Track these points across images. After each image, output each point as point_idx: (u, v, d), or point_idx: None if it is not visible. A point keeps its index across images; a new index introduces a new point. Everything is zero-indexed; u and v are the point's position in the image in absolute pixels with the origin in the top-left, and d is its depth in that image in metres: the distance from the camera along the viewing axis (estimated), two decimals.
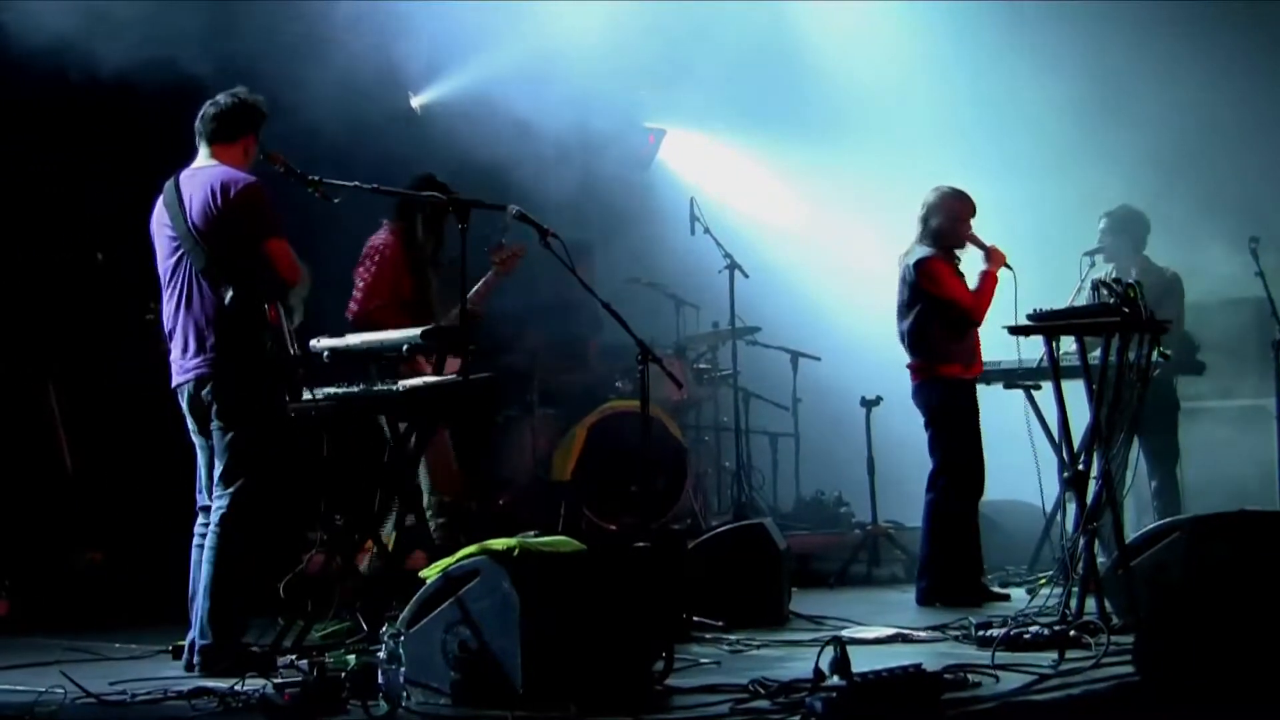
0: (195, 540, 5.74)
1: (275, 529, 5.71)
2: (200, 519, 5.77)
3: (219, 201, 5.57)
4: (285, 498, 5.76)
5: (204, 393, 5.62)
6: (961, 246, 7.66)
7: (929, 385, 7.58)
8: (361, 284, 7.12)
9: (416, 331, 6.15)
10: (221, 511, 5.58)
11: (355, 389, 6.01)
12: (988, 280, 7.55)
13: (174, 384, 5.73)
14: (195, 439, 5.79)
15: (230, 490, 5.58)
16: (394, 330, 6.34)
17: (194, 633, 5.57)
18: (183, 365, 5.67)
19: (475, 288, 7.38)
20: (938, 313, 7.54)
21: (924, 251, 7.59)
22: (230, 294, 5.53)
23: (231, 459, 5.60)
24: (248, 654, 5.52)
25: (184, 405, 5.73)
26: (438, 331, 6.22)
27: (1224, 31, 10.24)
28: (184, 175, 5.76)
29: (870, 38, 11.67)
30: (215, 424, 5.62)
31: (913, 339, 7.61)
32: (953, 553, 7.46)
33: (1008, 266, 7.53)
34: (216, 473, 5.64)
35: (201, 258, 5.58)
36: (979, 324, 7.56)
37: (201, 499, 5.80)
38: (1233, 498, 7.77)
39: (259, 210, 5.61)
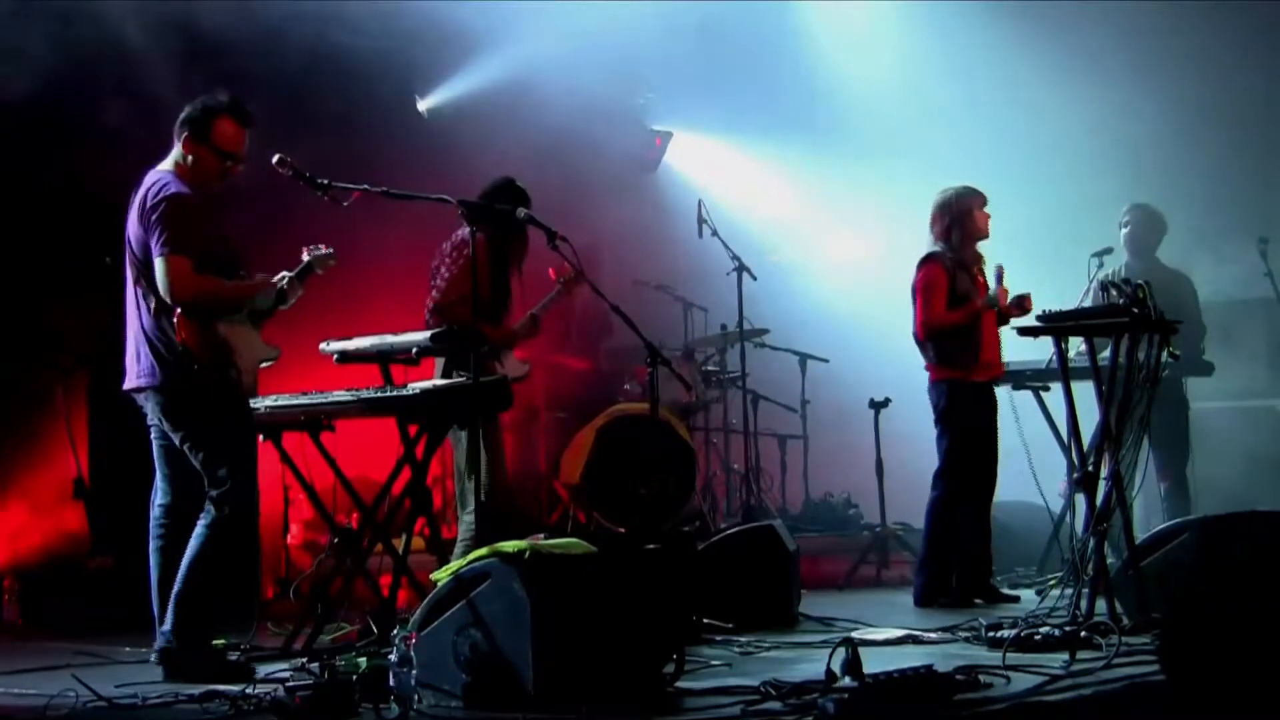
0: (152, 540, 5.70)
1: (249, 534, 5.63)
2: (155, 516, 5.72)
3: (139, 209, 5.54)
4: (255, 501, 5.68)
5: (151, 404, 5.60)
6: (975, 241, 7.58)
7: (933, 386, 7.58)
8: (448, 274, 6.97)
9: (426, 334, 6.17)
10: (203, 517, 5.51)
11: (371, 391, 6.02)
12: (968, 309, 7.45)
13: (125, 387, 5.67)
14: (153, 440, 5.74)
15: (207, 497, 5.52)
16: (407, 333, 6.36)
17: (160, 636, 5.53)
18: (131, 372, 5.64)
19: (542, 304, 7.42)
20: None
21: (927, 250, 7.59)
22: (154, 302, 5.50)
23: (202, 467, 5.55)
24: (221, 660, 5.48)
25: (143, 410, 5.69)
26: (447, 335, 6.23)
27: (1232, 31, 10.23)
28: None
29: (879, 39, 11.68)
30: (173, 436, 5.59)
31: (915, 338, 7.62)
32: (948, 553, 7.46)
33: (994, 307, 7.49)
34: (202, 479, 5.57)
35: (135, 264, 5.57)
36: (922, 338, 7.51)
37: (156, 497, 5.75)
38: (1243, 498, 7.76)
39: (164, 221, 5.45)
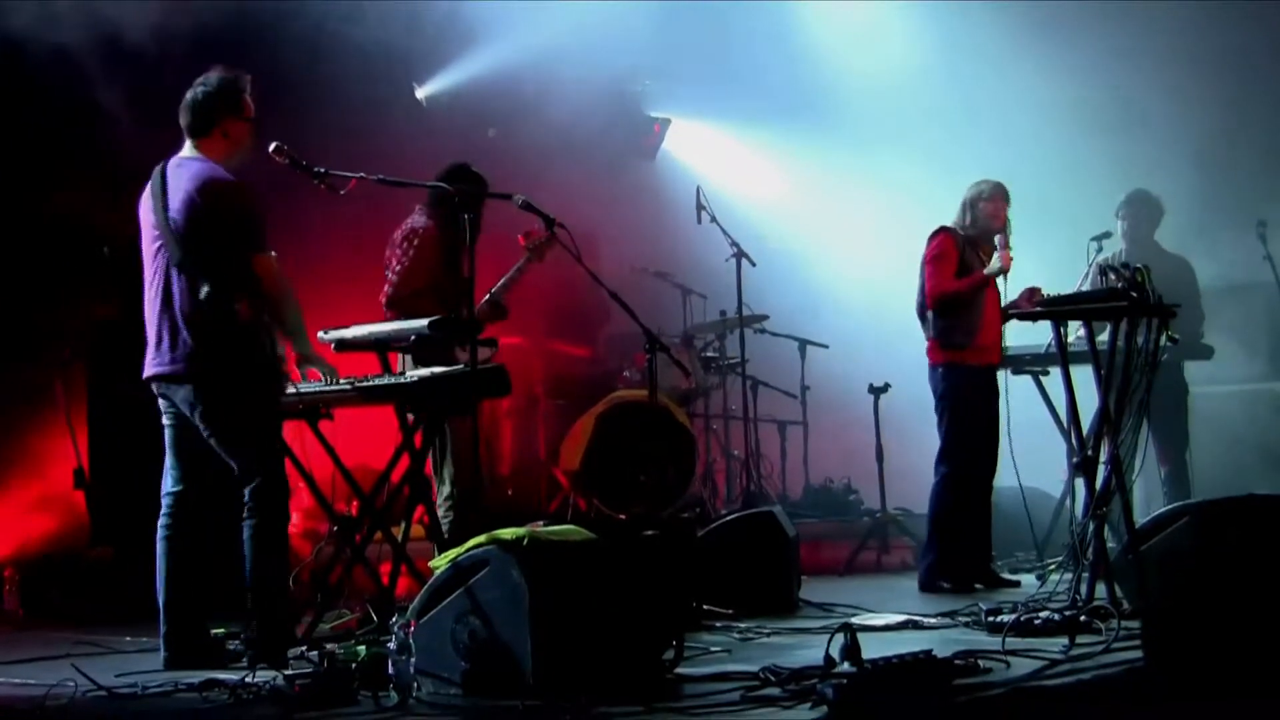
0: (160, 529, 5.67)
1: (283, 521, 5.65)
2: (165, 504, 5.69)
3: (201, 202, 5.47)
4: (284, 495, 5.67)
5: (183, 393, 5.54)
6: (991, 235, 7.56)
7: (932, 370, 7.58)
8: (399, 267, 7.00)
9: (424, 322, 6.16)
10: (246, 511, 5.53)
11: (367, 379, 6.01)
12: (974, 279, 7.45)
13: (146, 374, 5.62)
14: (166, 427, 5.71)
15: (247, 490, 5.53)
16: (406, 320, 6.35)
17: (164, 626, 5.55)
18: (159, 359, 5.56)
19: (509, 276, 7.40)
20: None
21: (943, 225, 7.59)
22: (206, 289, 5.43)
23: (237, 462, 5.54)
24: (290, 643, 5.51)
25: (159, 397, 5.66)
26: (445, 323, 6.21)
27: (1228, 23, 10.22)
28: (171, 164, 5.64)
29: (878, 30, 11.67)
30: (204, 428, 5.54)
31: (918, 314, 7.61)
32: (946, 537, 7.47)
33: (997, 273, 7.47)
34: (234, 474, 5.57)
35: (177, 252, 5.47)
36: (931, 309, 7.51)
37: (166, 484, 5.72)
38: (1242, 482, 7.75)
39: (242, 219, 5.50)
